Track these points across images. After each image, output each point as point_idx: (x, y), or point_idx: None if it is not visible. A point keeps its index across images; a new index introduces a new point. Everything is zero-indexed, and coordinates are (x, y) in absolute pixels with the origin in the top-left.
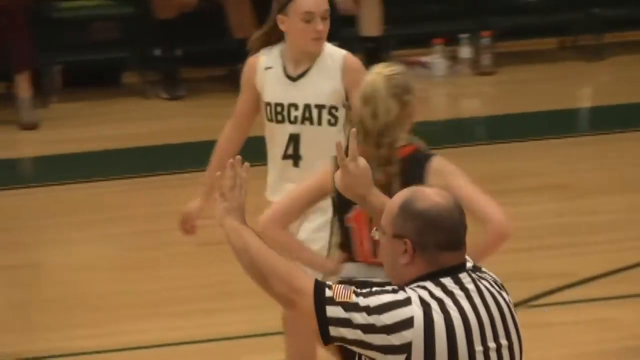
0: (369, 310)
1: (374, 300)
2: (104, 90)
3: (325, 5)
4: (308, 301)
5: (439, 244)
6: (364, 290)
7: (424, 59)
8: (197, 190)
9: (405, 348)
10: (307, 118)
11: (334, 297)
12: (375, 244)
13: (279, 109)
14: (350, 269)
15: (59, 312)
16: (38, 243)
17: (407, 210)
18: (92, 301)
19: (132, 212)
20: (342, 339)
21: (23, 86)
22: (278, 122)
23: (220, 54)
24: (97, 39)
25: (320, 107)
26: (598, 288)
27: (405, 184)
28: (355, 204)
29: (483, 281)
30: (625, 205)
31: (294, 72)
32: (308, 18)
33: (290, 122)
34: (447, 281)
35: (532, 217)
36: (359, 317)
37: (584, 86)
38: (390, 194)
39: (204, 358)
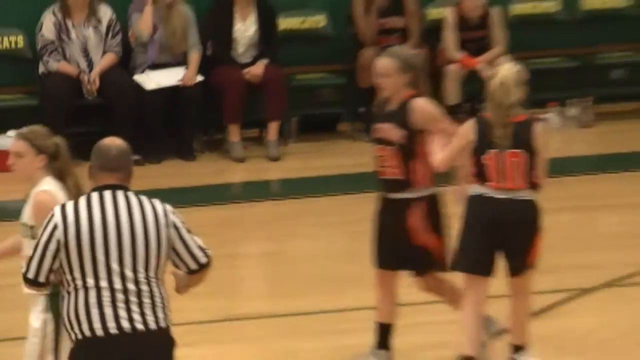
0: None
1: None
2: (325, 134)
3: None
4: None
5: (98, 167)
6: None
7: (542, 115)
8: None
9: (62, 244)
10: None
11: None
12: (499, 174)
13: None
14: (478, 188)
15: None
16: None
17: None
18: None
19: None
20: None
21: (272, 131)
22: None
23: None
24: (320, 100)
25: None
26: None
27: None
28: (490, 148)
29: (132, 199)
30: None
31: None
32: None
33: None
34: (94, 195)
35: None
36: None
37: None
38: None
39: None
